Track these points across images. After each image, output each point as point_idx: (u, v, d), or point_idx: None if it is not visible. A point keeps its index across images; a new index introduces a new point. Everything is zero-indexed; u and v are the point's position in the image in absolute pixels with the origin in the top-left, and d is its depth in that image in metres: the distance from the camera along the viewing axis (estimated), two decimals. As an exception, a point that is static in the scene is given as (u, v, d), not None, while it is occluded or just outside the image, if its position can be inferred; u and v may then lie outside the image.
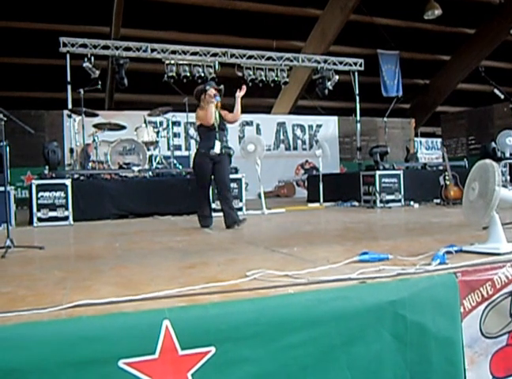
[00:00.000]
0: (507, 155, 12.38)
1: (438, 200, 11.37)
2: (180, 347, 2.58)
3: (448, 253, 4.07)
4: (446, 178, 11.05)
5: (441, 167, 12.87)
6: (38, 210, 9.22)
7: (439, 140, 22.32)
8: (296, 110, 22.22)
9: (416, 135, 21.70)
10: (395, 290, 3.16)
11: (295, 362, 2.82)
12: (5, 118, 5.65)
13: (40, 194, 9.23)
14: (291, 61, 16.01)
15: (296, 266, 3.90)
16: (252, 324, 2.76)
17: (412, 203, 11.57)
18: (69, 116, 12.48)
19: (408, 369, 3.08)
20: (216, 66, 14.83)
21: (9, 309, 2.84)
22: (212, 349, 2.64)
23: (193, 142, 17.03)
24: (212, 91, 7.66)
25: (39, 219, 9.22)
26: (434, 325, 3.14)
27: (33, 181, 9.35)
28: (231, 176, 10.28)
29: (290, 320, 2.85)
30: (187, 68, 14.54)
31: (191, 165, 8.48)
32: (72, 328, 2.53)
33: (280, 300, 2.99)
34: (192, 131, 17.05)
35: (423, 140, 23.11)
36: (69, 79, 13.18)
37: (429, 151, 22.84)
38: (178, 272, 4.07)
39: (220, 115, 7.93)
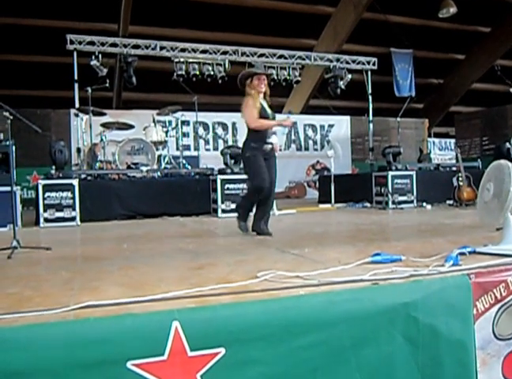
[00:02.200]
0: (521, 155, 12.33)
1: (451, 202, 11.36)
2: (189, 348, 2.60)
3: (461, 254, 4.09)
4: (460, 179, 11.03)
5: (454, 168, 12.85)
6: (44, 210, 9.20)
7: (453, 140, 22.24)
8: (308, 109, 22.19)
9: (430, 135, 21.62)
10: (408, 291, 3.18)
11: (305, 363, 2.84)
12: (11, 117, 5.67)
13: (47, 194, 9.22)
14: (304, 59, 16.01)
15: (307, 267, 3.91)
16: (262, 326, 2.78)
17: (424, 204, 11.54)
18: (77, 115, 12.49)
19: (420, 371, 3.09)
20: (227, 65, 14.79)
21: (16, 310, 2.86)
22: (222, 350, 2.66)
23: (202, 142, 17.06)
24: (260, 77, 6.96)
25: (46, 220, 9.20)
26: (446, 327, 3.15)
27: (40, 181, 9.36)
28: (241, 177, 10.33)
29: (301, 322, 2.86)
30: (197, 66, 14.52)
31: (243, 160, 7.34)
32: (79, 329, 2.55)
33: (290, 301, 3.01)
34: (201, 130, 17.07)
35: (437, 140, 23.04)
36: (76, 77, 13.20)
37: (442, 152, 22.77)
38: (188, 272, 4.09)
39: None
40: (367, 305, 3.03)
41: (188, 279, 3.72)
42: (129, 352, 2.51)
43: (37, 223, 9.26)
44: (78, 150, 12.66)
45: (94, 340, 2.49)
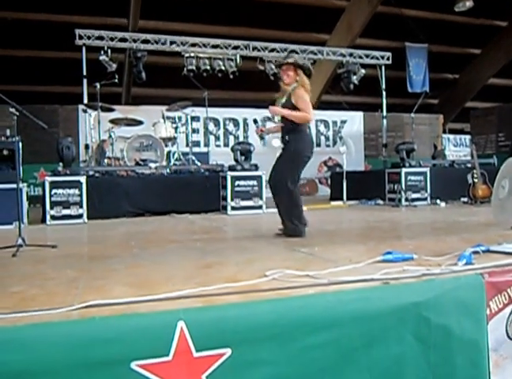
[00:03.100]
0: (538, 152, 12.26)
1: (466, 199, 11.31)
2: (195, 348, 2.59)
3: (475, 253, 4.06)
4: (474, 176, 10.96)
5: (469, 165, 12.78)
6: (51, 208, 9.16)
7: (468, 137, 22.10)
8: (320, 105, 22.11)
9: (444, 131, 21.44)
10: (419, 291, 3.16)
11: (314, 364, 2.82)
12: (17, 113, 5.67)
13: (54, 191, 9.20)
14: (316, 54, 15.94)
15: (317, 266, 3.90)
16: (270, 326, 2.76)
17: (438, 201, 11.49)
18: (85, 111, 12.46)
19: (431, 372, 3.07)
20: (238, 60, 14.76)
21: (20, 310, 2.86)
22: (228, 351, 2.64)
23: (212, 138, 17.03)
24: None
25: (53, 217, 9.16)
26: (458, 328, 3.12)
27: (47, 178, 9.34)
28: (251, 173, 10.31)
29: (309, 322, 2.84)
30: (207, 61, 14.50)
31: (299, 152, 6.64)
32: (83, 329, 2.54)
33: (299, 301, 3.00)
34: (212, 126, 17.06)
35: (451, 136, 22.88)
36: (85, 73, 13.19)
37: (457, 149, 22.61)
38: (195, 271, 4.09)
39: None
40: (377, 304, 3.02)
41: (195, 278, 3.71)
42: (133, 352, 2.50)
43: (43, 220, 9.22)
44: (86, 146, 12.67)
45: (98, 340, 2.48)
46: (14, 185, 6.53)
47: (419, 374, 3.05)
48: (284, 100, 6.63)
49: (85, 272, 4.23)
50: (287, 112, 6.46)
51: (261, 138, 7.08)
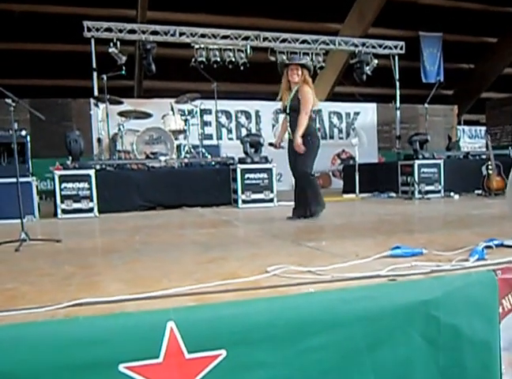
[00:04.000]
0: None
1: (480, 191, 11.20)
2: (187, 350, 2.47)
3: (488, 247, 3.91)
4: (489, 167, 10.81)
5: (484, 156, 12.60)
6: (62, 201, 9.19)
7: (484, 128, 21.89)
8: (333, 96, 21.97)
9: (459, 123, 21.28)
10: (428, 288, 3.01)
11: (315, 366, 2.70)
12: (13, 104, 5.61)
13: (63, 185, 9.21)
14: (328, 44, 15.72)
15: (322, 261, 3.78)
16: (268, 326, 2.64)
17: (452, 194, 11.32)
18: (96, 104, 12.47)
19: (440, 373, 2.94)
20: (248, 50, 14.61)
21: (6, 308, 2.76)
22: (223, 352, 2.53)
23: (224, 131, 16.94)
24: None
25: (64, 211, 9.19)
26: (469, 327, 2.98)
27: (56, 171, 9.32)
28: (261, 166, 10.22)
29: (310, 322, 2.71)
30: (217, 52, 14.40)
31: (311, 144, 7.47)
32: (68, 329, 2.43)
33: (299, 299, 2.87)
34: (224, 119, 16.98)
35: (467, 128, 22.66)
36: (94, 65, 13.12)
37: (473, 140, 22.40)
38: (195, 267, 3.96)
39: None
40: (382, 303, 2.88)
41: (194, 273, 3.59)
42: (120, 354, 2.39)
43: (55, 214, 9.27)
44: (98, 140, 12.64)
45: (83, 341, 2.37)
46: (23, 179, 6.48)
47: (427, 376, 2.91)
48: (291, 96, 7.36)
49: (83, 268, 4.12)
50: (298, 135, 7.23)
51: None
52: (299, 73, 7.31)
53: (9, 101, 5.54)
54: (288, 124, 7.53)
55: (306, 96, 7.23)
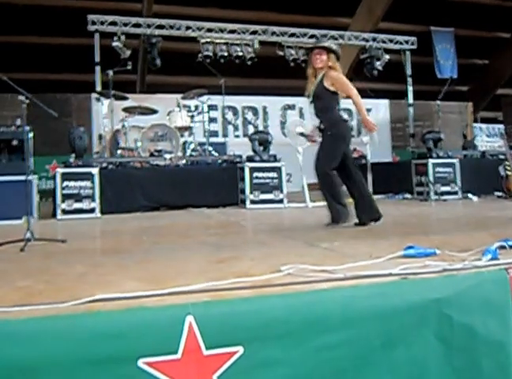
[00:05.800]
0: None
1: (500, 193, 11.11)
2: (205, 346, 2.55)
3: (501, 247, 4.01)
4: (507, 168, 10.80)
5: (502, 156, 12.61)
6: (62, 201, 9.13)
7: (502, 126, 21.87)
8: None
9: (476, 120, 21.24)
10: (440, 286, 3.12)
11: (330, 364, 2.78)
12: (27, 101, 5.71)
13: (65, 184, 9.18)
14: (337, 39, 15.74)
15: (335, 261, 3.87)
16: (283, 322, 2.73)
17: (470, 195, 11.26)
18: (98, 100, 12.49)
19: (456, 375, 3.00)
20: (256, 45, 14.71)
21: (25, 303, 2.86)
22: (240, 349, 2.61)
23: (231, 128, 16.98)
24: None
25: (64, 211, 9.13)
26: (483, 327, 3.06)
27: (58, 169, 9.35)
28: (270, 165, 10.25)
29: (325, 319, 2.81)
30: (224, 47, 14.50)
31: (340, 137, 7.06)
32: (89, 323, 2.53)
33: (314, 296, 2.97)
34: (230, 116, 17.01)
35: (484, 126, 22.60)
36: (97, 59, 13.23)
37: (490, 139, 22.30)
38: (208, 266, 4.09)
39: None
40: (395, 301, 2.98)
41: (207, 272, 3.71)
42: (140, 349, 2.48)
43: (54, 214, 9.22)
44: (100, 137, 12.67)
45: (104, 335, 2.47)
46: (23, 178, 6.55)
47: (443, 377, 2.98)
48: (316, 82, 6.91)
49: (95, 267, 4.25)
50: (363, 114, 7.30)
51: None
52: (323, 58, 6.83)
53: (22, 98, 5.63)
54: (314, 112, 7.13)
55: (340, 80, 6.88)
